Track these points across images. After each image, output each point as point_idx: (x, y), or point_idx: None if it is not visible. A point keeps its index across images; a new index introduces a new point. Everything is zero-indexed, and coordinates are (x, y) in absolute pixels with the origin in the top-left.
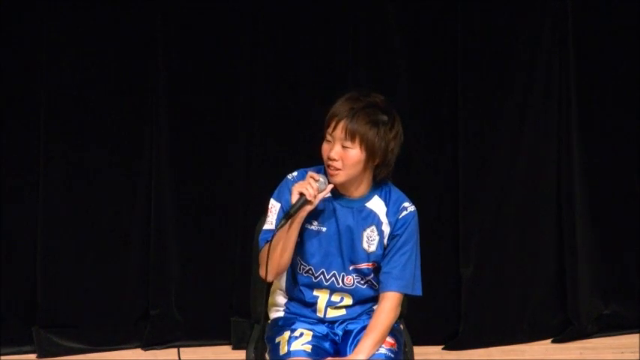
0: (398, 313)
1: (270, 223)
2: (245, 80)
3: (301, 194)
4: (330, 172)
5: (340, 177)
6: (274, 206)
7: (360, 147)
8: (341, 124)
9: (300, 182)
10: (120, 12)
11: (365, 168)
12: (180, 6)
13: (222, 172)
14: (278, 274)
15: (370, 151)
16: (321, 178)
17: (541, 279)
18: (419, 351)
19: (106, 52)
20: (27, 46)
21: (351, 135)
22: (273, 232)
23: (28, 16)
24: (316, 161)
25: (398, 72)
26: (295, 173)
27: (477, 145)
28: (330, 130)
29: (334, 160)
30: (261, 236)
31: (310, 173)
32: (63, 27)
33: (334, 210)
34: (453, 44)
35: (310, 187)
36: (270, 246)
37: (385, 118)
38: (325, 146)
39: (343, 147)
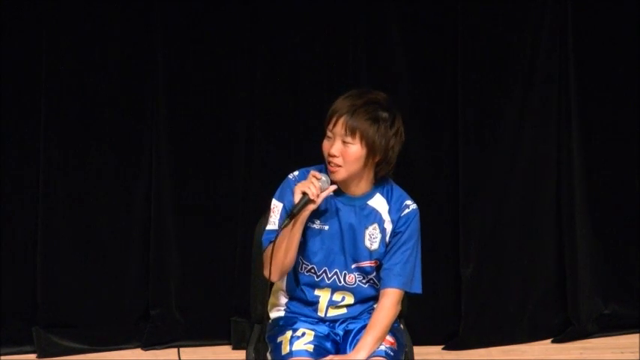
0: (398, 310)
1: (272, 223)
2: (245, 80)
3: (304, 193)
4: (331, 168)
5: (341, 174)
6: (276, 206)
7: (361, 143)
8: (341, 120)
9: (303, 182)
10: (119, 12)
11: (365, 165)
12: (179, 7)
13: (222, 172)
14: (282, 274)
15: (370, 147)
16: (324, 177)
17: (541, 279)
18: (419, 351)
19: (106, 53)
20: (27, 46)
21: (351, 131)
22: (276, 232)
23: (28, 15)
24: (316, 161)
25: (398, 72)
26: (296, 173)
27: (477, 145)
28: (330, 126)
29: (335, 156)
30: (264, 236)
31: (312, 172)
32: (63, 27)
33: (336, 208)
34: (453, 44)
35: (313, 186)
36: (274, 246)
37: (386, 115)
38: (326, 143)
39: (344, 143)
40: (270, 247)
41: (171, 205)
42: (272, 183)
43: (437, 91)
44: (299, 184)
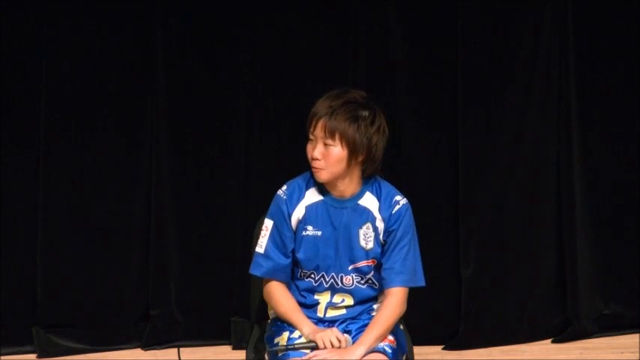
0: (404, 309)
1: (260, 246)
2: (245, 81)
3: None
4: (315, 171)
5: (324, 175)
6: (267, 227)
7: (342, 144)
8: (320, 123)
9: (328, 339)
10: (119, 7)
11: (349, 165)
12: (181, 4)
13: (222, 173)
14: None
15: (352, 147)
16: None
17: (541, 279)
18: (419, 351)
19: (106, 49)
20: (27, 43)
21: (330, 132)
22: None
23: (28, 13)
24: None
25: (398, 72)
26: (285, 187)
27: (476, 145)
28: (311, 129)
29: (317, 159)
30: (254, 260)
31: (340, 338)
32: (63, 25)
33: (328, 212)
34: (453, 44)
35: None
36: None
37: (365, 113)
38: (308, 146)
39: (325, 145)
40: (269, 287)
41: (172, 206)
42: (272, 183)
43: (437, 91)
44: (324, 337)
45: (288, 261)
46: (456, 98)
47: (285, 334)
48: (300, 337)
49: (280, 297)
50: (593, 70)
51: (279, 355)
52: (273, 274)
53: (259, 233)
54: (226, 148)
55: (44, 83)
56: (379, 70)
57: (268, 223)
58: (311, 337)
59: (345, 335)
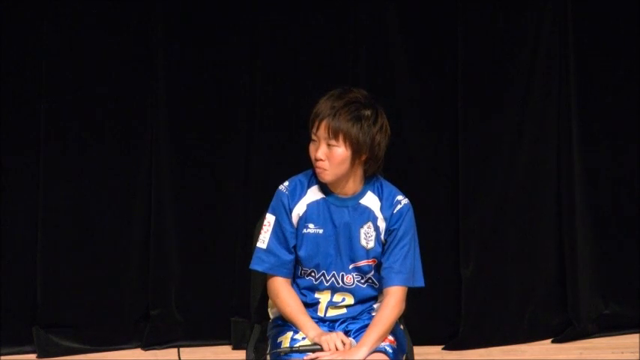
0: (403, 307)
1: (262, 241)
2: (245, 81)
3: (320, 346)
4: (318, 171)
5: (328, 176)
6: (270, 221)
7: (345, 144)
8: (324, 123)
9: (333, 340)
10: (120, 6)
11: (353, 165)
12: (181, 4)
13: (222, 172)
14: None
15: (355, 147)
16: (349, 344)
17: (541, 279)
18: (419, 351)
19: (105, 53)
20: (27, 37)
21: (334, 133)
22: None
23: (28, 12)
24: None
25: (398, 72)
26: (287, 183)
27: (476, 145)
28: (314, 130)
29: (321, 160)
30: (255, 255)
31: (344, 341)
32: (63, 22)
33: (329, 211)
34: (453, 45)
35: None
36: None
37: (368, 112)
38: (311, 147)
39: (328, 145)
40: (274, 285)
41: (171, 205)
42: (272, 183)
43: (437, 91)
44: (329, 340)
45: (292, 257)
46: (456, 98)
47: (289, 334)
48: (303, 338)
49: (287, 296)
50: (593, 70)
51: (282, 355)
52: (276, 270)
53: (260, 232)
54: (226, 148)
55: (44, 83)
56: (379, 70)
57: (270, 218)
58: (316, 341)
59: (350, 339)
